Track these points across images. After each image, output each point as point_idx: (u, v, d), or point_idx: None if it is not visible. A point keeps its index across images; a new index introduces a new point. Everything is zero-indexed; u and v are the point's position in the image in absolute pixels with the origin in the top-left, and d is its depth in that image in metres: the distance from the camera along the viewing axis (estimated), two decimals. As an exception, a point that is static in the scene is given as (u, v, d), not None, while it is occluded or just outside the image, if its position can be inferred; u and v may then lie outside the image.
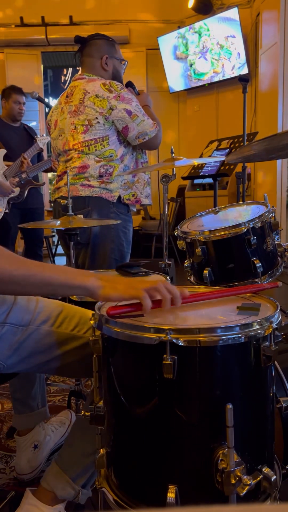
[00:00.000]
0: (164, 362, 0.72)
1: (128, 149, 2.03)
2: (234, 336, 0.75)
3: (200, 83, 5.96)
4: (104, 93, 1.90)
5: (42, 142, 3.53)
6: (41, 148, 3.54)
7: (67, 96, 2.02)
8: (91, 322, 0.87)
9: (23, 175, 3.48)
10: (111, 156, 1.95)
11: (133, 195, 2.03)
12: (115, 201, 1.97)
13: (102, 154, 1.93)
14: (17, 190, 3.40)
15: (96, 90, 1.91)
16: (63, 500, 1.16)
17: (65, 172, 1.99)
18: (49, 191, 7.25)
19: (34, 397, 1.48)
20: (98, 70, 2.05)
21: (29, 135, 3.77)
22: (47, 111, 3.55)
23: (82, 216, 1.81)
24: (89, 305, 1.12)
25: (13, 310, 1.03)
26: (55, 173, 4.24)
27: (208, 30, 5.62)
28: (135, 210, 2.13)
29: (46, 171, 3.66)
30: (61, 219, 1.64)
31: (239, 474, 0.70)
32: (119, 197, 1.98)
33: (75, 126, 1.94)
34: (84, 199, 1.93)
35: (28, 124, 3.93)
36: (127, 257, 2.07)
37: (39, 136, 3.63)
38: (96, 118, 1.90)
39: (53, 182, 2.17)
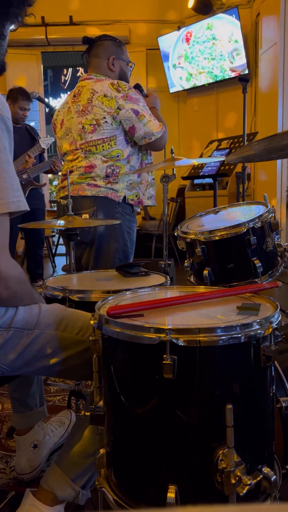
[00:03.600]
0: (164, 362, 0.72)
1: (135, 149, 2.03)
2: (234, 336, 0.75)
3: (200, 83, 5.96)
4: (112, 93, 1.91)
5: (46, 143, 3.53)
6: (43, 148, 3.54)
7: (74, 96, 2.03)
8: (91, 322, 0.87)
9: (24, 176, 3.48)
10: (117, 156, 1.95)
11: (136, 196, 2.03)
12: (120, 201, 1.97)
13: (109, 154, 1.94)
14: None
15: (104, 89, 1.92)
16: (63, 500, 1.16)
17: (71, 172, 2.00)
18: (49, 191, 7.26)
19: (33, 396, 1.48)
20: (105, 70, 2.06)
21: (31, 135, 3.77)
22: (47, 111, 3.57)
23: (87, 215, 1.81)
24: (89, 305, 1.12)
25: (18, 314, 1.03)
26: (55, 174, 4.23)
27: (208, 30, 5.62)
28: (139, 210, 2.13)
29: (46, 172, 3.67)
30: (61, 219, 1.64)
31: (239, 474, 0.70)
32: (124, 197, 1.98)
33: (82, 126, 1.94)
34: (90, 199, 1.94)
35: (30, 124, 3.93)
36: (130, 257, 2.07)
37: (42, 137, 3.63)
38: (104, 117, 1.90)
39: (54, 182, 2.18)
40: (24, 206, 0.98)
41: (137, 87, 2.12)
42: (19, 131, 3.67)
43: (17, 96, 3.62)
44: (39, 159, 3.69)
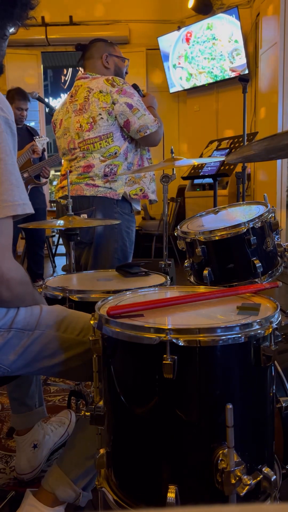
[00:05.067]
0: (164, 362, 0.72)
1: (132, 145, 2.04)
2: (234, 336, 0.75)
3: (200, 83, 5.96)
4: (107, 88, 1.93)
5: (41, 143, 3.54)
6: (37, 148, 3.55)
7: (71, 96, 2.05)
8: (91, 322, 0.87)
9: (25, 174, 3.50)
10: (115, 153, 1.96)
11: (140, 190, 2.03)
12: (120, 199, 1.97)
13: (107, 152, 1.95)
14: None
15: (100, 86, 1.94)
16: (63, 501, 1.16)
17: (69, 171, 2.00)
18: (49, 191, 7.25)
19: (32, 397, 1.48)
20: (100, 69, 2.08)
21: (31, 135, 3.77)
22: (47, 111, 3.57)
23: (86, 215, 1.81)
24: (89, 306, 1.12)
25: (19, 315, 1.03)
26: (56, 174, 4.22)
27: (208, 30, 5.62)
28: (139, 209, 2.13)
29: (37, 177, 3.64)
30: (61, 219, 1.65)
31: (239, 474, 0.70)
32: (124, 195, 1.99)
33: (80, 125, 1.96)
34: (89, 199, 1.95)
35: (30, 125, 3.94)
36: (129, 257, 2.08)
37: (37, 137, 3.63)
38: (100, 114, 1.92)
39: (54, 182, 2.19)
40: (30, 209, 0.99)
41: (135, 87, 2.13)
42: (20, 132, 3.67)
43: (14, 96, 3.62)
44: (39, 158, 3.69)
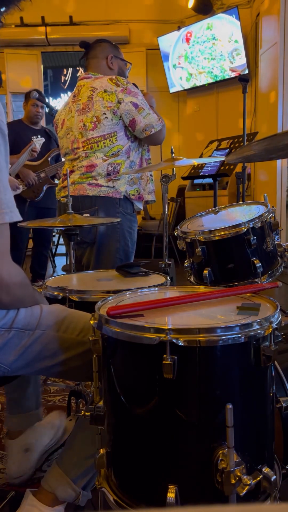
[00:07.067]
0: (164, 362, 0.72)
1: (135, 144, 2.05)
2: (234, 336, 0.75)
3: (200, 83, 5.96)
4: (112, 87, 1.93)
5: (39, 143, 3.58)
6: (35, 148, 3.57)
7: (74, 96, 2.05)
8: (91, 322, 0.87)
9: (42, 174, 3.53)
10: (118, 152, 1.96)
11: (137, 191, 2.04)
12: (121, 197, 1.98)
13: (110, 151, 1.95)
14: (22, 187, 3.45)
15: (104, 85, 1.94)
16: (63, 501, 1.16)
17: (71, 171, 2.01)
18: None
19: (29, 398, 1.47)
20: (104, 69, 2.08)
21: (50, 138, 3.80)
22: (46, 111, 3.59)
23: (88, 215, 1.81)
24: (89, 306, 1.12)
25: (19, 315, 1.03)
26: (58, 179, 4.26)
27: (208, 30, 5.62)
28: (141, 207, 2.13)
29: (53, 177, 3.68)
30: (61, 218, 1.65)
31: (239, 474, 0.70)
32: (126, 194, 1.99)
33: (84, 124, 1.96)
34: (91, 199, 1.95)
35: (49, 128, 3.96)
36: (131, 257, 2.08)
37: (34, 137, 3.66)
38: (104, 113, 1.92)
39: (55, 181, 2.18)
40: (17, 217, 0.95)
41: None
42: (37, 133, 3.70)
43: (28, 95, 3.71)
44: (56, 159, 3.73)
